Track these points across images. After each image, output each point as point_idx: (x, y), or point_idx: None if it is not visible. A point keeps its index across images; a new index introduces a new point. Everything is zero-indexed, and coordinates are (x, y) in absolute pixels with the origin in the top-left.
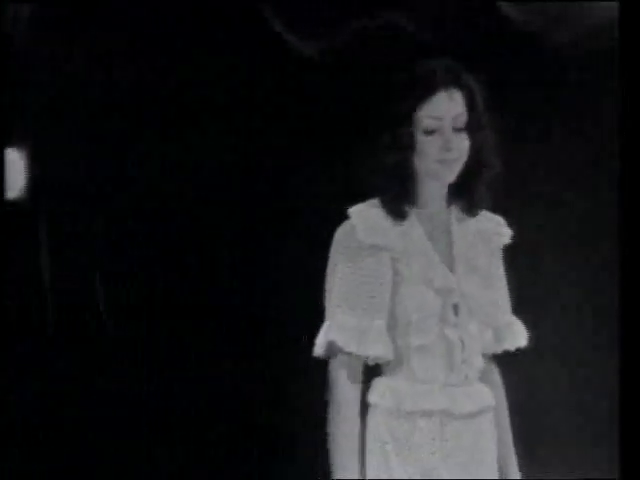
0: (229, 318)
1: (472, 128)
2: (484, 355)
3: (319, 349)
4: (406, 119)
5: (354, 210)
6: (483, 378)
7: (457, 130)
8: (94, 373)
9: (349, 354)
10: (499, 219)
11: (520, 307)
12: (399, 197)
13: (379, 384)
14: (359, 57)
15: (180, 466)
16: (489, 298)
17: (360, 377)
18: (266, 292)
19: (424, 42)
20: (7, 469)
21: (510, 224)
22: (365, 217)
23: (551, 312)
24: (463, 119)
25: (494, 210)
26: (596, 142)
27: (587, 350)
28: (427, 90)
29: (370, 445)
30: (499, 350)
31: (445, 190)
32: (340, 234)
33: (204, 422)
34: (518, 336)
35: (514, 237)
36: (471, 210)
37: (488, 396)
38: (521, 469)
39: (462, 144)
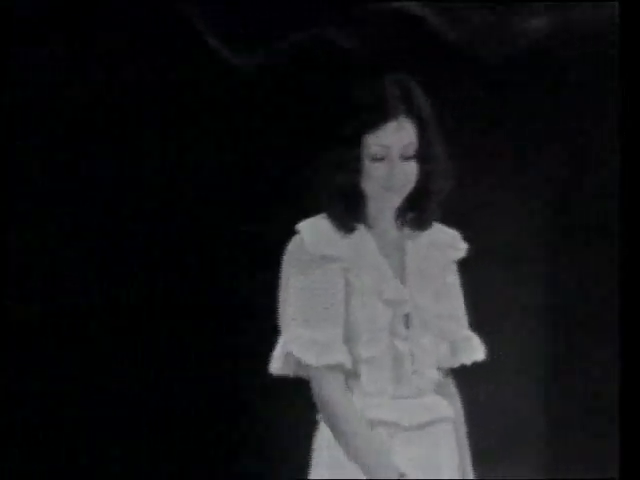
0: (227, 317)
1: (422, 156)
2: (441, 369)
3: (276, 364)
4: (354, 143)
5: (302, 224)
6: (440, 391)
7: (406, 158)
8: (84, 371)
9: (330, 368)
10: (454, 233)
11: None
12: (346, 215)
13: None
14: (298, 72)
15: (180, 466)
16: (444, 311)
17: (345, 385)
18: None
19: (362, 57)
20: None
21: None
22: (314, 230)
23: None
24: (413, 148)
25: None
26: (596, 142)
27: (587, 352)
28: (376, 119)
29: (318, 458)
30: (456, 364)
31: (395, 209)
32: (290, 248)
33: (202, 422)
34: (475, 350)
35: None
36: (421, 226)
37: (444, 408)
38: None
39: (409, 172)
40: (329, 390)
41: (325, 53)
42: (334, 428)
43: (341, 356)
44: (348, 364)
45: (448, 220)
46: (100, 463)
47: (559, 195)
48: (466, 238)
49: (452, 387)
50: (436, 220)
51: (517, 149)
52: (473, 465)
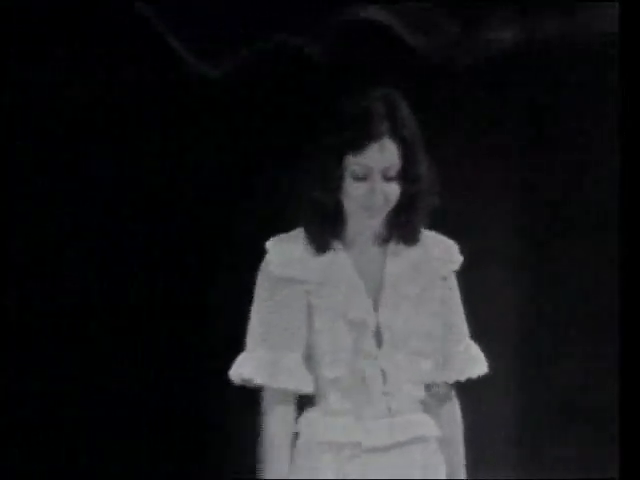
0: (225, 318)
1: (406, 177)
2: (432, 385)
3: (234, 379)
4: (336, 160)
5: (270, 242)
6: (430, 408)
7: (387, 179)
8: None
9: (279, 391)
10: (449, 245)
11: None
12: (323, 232)
13: (301, 416)
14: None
15: (180, 466)
16: (424, 328)
17: (290, 410)
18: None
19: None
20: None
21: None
22: (280, 250)
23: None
24: (395, 169)
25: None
26: (596, 142)
27: (587, 352)
28: (358, 140)
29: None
30: (449, 380)
31: (377, 226)
32: (261, 266)
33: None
34: (470, 366)
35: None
36: (408, 241)
37: (425, 427)
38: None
39: (390, 193)
40: (268, 413)
41: (292, 61)
42: (261, 439)
43: (294, 381)
44: (305, 388)
45: (445, 221)
46: (98, 463)
47: (559, 195)
48: (463, 239)
49: (449, 404)
50: (427, 229)
51: (517, 150)
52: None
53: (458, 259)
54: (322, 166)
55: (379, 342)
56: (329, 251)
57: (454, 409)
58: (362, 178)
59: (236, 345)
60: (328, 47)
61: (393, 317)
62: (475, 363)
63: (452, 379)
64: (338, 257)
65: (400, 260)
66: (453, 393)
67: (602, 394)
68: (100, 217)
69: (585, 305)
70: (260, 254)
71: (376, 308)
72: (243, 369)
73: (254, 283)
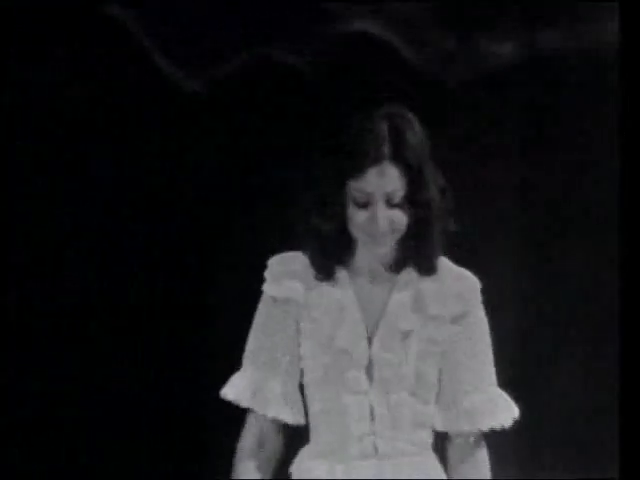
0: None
1: (413, 203)
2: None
3: (226, 398)
4: (336, 185)
5: (271, 260)
6: (453, 456)
7: (392, 205)
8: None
9: (258, 415)
10: (469, 281)
11: None
12: (326, 259)
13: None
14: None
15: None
16: (420, 369)
17: (270, 436)
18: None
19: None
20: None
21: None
22: (278, 269)
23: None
24: (399, 195)
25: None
26: (596, 142)
27: (587, 352)
28: (356, 164)
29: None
30: (463, 429)
31: (387, 253)
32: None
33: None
34: (488, 416)
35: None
36: (422, 270)
37: (422, 472)
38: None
39: (396, 220)
40: (244, 433)
41: (279, 76)
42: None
43: (279, 410)
44: (291, 419)
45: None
46: (97, 463)
47: (559, 195)
48: (465, 235)
49: (471, 454)
50: (446, 258)
51: (516, 152)
52: None
53: (476, 298)
54: (322, 192)
55: (371, 378)
56: (331, 277)
57: (477, 460)
58: (363, 205)
59: (238, 347)
60: (319, 61)
61: (386, 353)
62: (497, 412)
63: (468, 429)
64: (338, 283)
65: (407, 292)
66: (479, 442)
67: (602, 394)
68: (99, 218)
69: (585, 305)
70: (260, 257)
71: (371, 341)
72: (229, 389)
73: (254, 284)
